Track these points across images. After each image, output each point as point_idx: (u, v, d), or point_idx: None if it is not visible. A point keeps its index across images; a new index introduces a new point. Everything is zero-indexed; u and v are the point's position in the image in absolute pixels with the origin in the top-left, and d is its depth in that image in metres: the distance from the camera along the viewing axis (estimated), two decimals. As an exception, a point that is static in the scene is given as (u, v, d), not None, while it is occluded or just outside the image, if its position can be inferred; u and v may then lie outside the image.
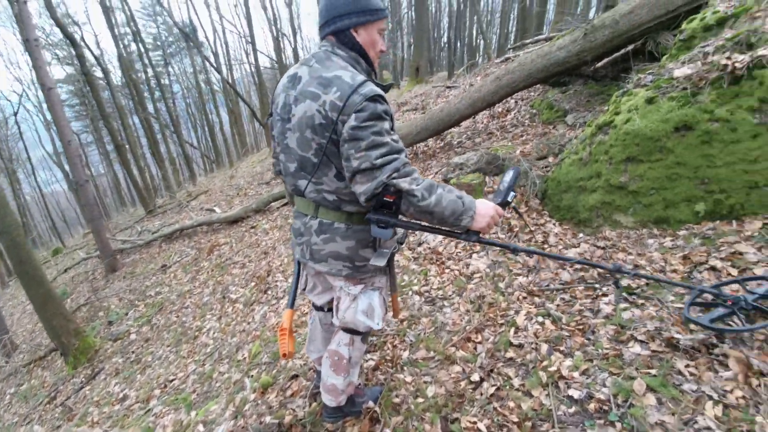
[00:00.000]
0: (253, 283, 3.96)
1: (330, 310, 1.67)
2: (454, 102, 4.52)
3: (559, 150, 3.40)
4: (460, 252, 2.75)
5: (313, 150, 1.19)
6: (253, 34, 16.04)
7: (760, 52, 1.99)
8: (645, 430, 1.27)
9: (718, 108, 2.05)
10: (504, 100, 4.82)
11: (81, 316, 5.68)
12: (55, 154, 22.90)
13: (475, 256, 2.63)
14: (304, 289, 1.63)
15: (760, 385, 1.26)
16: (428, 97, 8.20)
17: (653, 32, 3.29)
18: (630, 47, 3.63)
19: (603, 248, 2.24)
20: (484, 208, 1.19)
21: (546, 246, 2.48)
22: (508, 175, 1.29)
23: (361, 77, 1.13)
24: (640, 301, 1.78)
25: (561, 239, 2.50)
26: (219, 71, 14.52)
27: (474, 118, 5.13)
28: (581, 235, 2.48)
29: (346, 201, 1.26)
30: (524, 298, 2.11)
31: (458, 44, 18.13)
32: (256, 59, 16.11)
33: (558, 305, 1.97)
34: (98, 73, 15.40)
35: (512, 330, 1.90)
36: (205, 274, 5.06)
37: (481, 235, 1.22)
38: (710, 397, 1.28)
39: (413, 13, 13.26)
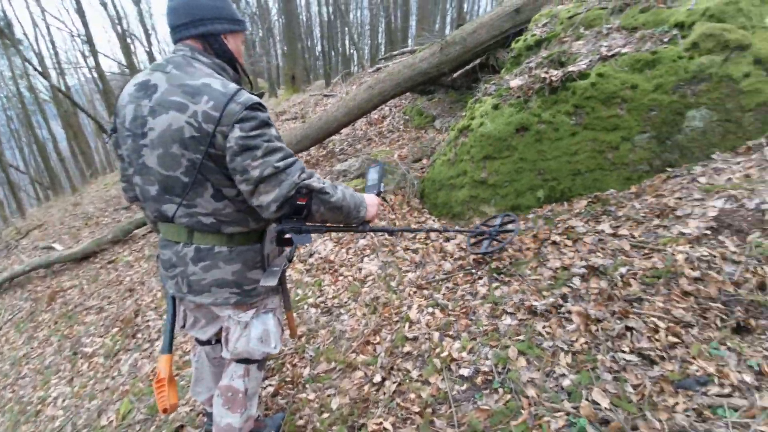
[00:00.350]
0: (116, 329, 3.31)
1: (218, 341, 1.50)
2: (332, 110, 4.58)
3: (431, 152, 3.74)
4: (351, 258, 2.78)
5: (183, 168, 1.05)
6: (90, 33, 13.49)
7: (570, 68, 2.52)
8: (520, 389, 1.47)
9: (543, 112, 2.52)
10: (378, 108, 5.08)
11: None
12: None
13: (366, 259, 2.69)
14: (183, 326, 1.43)
15: (598, 330, 1.57)
16: (307, 105, 8.14)
17: (492, 49, 3.89)
18: (477, 61, 4.21)
19: (475, 237, 2.53)
20: (370, 199, 1.33)
21: (429, 241, 2.68)
22: (374, 171, 1.49)
23: (233, 85, 1.05)
24: (507, 279, 2.06)
25: (440, 233, 2.74)
26: (45, 76, 11.82)
27: (353, 125, 5.28)
28: (456, 227, 2.76)
29: (225, 222, 1.15)
30: (414, 292, 2.24)
31: (332, 54, 18.44)
32: (97, 63, 13.56)
33: (444, 294, 2.15)
34: None
35: (407, 325, 2.00)
36: (45, 329, 4.03)
37: (370, 224, 1.34)
38: (562, 349, 1.56)
39: (284, 20, 13.02)
